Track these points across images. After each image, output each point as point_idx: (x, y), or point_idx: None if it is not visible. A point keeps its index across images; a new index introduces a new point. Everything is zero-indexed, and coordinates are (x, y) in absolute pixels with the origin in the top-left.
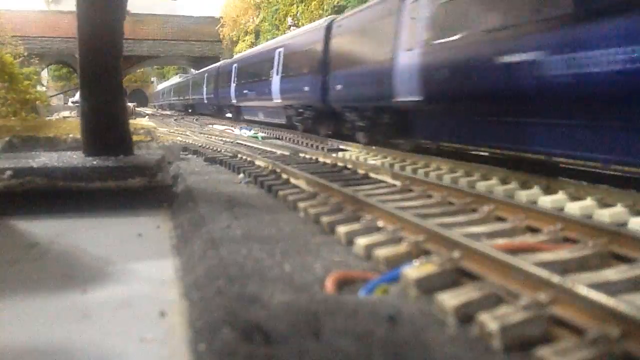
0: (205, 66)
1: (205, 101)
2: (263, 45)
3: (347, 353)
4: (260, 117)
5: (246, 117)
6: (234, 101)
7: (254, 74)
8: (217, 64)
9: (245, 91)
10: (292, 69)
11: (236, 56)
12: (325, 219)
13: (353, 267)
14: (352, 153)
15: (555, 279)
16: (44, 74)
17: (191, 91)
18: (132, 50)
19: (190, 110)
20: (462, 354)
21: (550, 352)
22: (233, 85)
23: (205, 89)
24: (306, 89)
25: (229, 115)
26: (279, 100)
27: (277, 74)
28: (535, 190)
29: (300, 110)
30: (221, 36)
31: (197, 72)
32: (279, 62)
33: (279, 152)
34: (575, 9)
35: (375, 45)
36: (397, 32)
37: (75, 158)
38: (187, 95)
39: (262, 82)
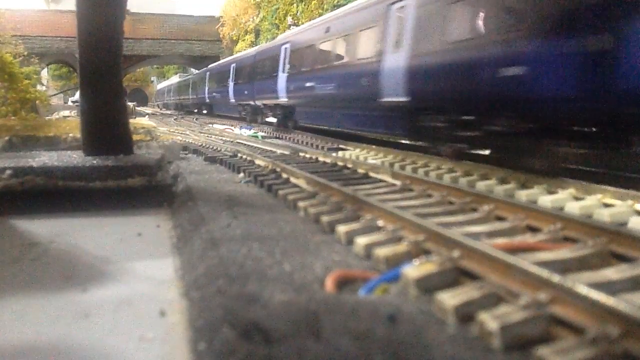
0: (205, 65)
1: (232, 100)
2: (353, 5)
3: (347, 352)
4: (337, 124)
5: (305, 124)
6: (283, 99)
7: (326, 56)
8: (253, 50)
9: (308, 84)
10: (454, 37)
11: (286, 33)
12: (325, 219)
13: (353, 266)
14: (352, 152)
15: (555, 278)
16: (44, 73)
17: (208, 87)
18: (132, 50)
19: (205, 112)
20: (462, 354)
21: (550, 351)
22: (283, 76)
23: (231, 84)
24: (509, 71)
25: (271, 119)
26: (400, 99)
27: (399, 47)
28: (535, 189)
29: (471, 118)
30: (221, 35)
31: (219, 62)
32: (402, 29)
33: (279, 151)
34: None
35: None
36: None
37: (75, 157)
38: (202, 93)
39: (347, 68)
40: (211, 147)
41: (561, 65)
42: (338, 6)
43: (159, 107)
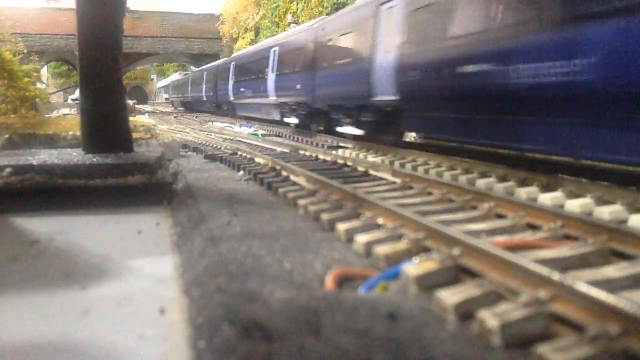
0: (206, 63)
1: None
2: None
3: (347, 350)
4: None
5: None
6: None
7: None
8: None
9: None
10: None
11: None
12: (325, 216)
13: (353, 264)
14: (352, 150)
15: (556, 276)
16: (44, 71)
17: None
18: (132, 48)
19: (311, 124)
20: (462, 351)
21: (550, 349)
22: None
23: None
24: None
25: None
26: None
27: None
28: (535, 187)
29: None
30: (221, 33)
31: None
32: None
33: (278, 149)
34: None
35: None
36: None
37: (75, 155)
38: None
39: None
40: (211, 145)
41: None
42: (338, 4)
43: (172, 105)
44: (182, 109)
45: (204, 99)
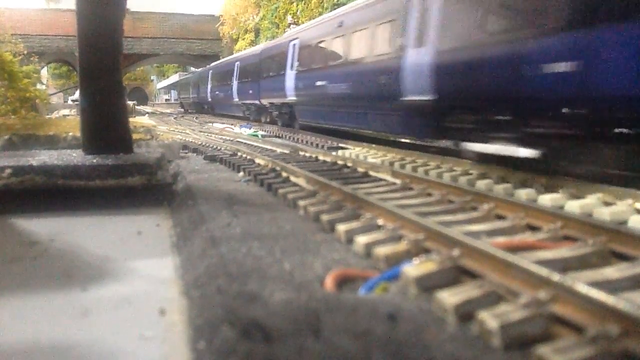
0: (206, 64)
1: None
2: None
3: (347, 351)
4: None
5: None
6: None
7: None
8: None
9: None
10: None
11: None
12: (325, 217)
13: (353, 265)
14: (352, 151)
15: (555, 277)
16: (44, 72)
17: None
18: (132, 48)
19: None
20: (462, 352)
21: (550, 350)
22: None
23: None
24: None
25: None
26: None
27: None
28: (535, 188)
29: None
30: (221, 34)
31: None
32: None
33: (278, 150)
34: None
35: None
36: None
37: (75, 156)
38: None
39: None
40: (211, 146)
41: None
42: (337, 4)
43: (182, 106)
44: (192, 111)
45: (236, 100)
